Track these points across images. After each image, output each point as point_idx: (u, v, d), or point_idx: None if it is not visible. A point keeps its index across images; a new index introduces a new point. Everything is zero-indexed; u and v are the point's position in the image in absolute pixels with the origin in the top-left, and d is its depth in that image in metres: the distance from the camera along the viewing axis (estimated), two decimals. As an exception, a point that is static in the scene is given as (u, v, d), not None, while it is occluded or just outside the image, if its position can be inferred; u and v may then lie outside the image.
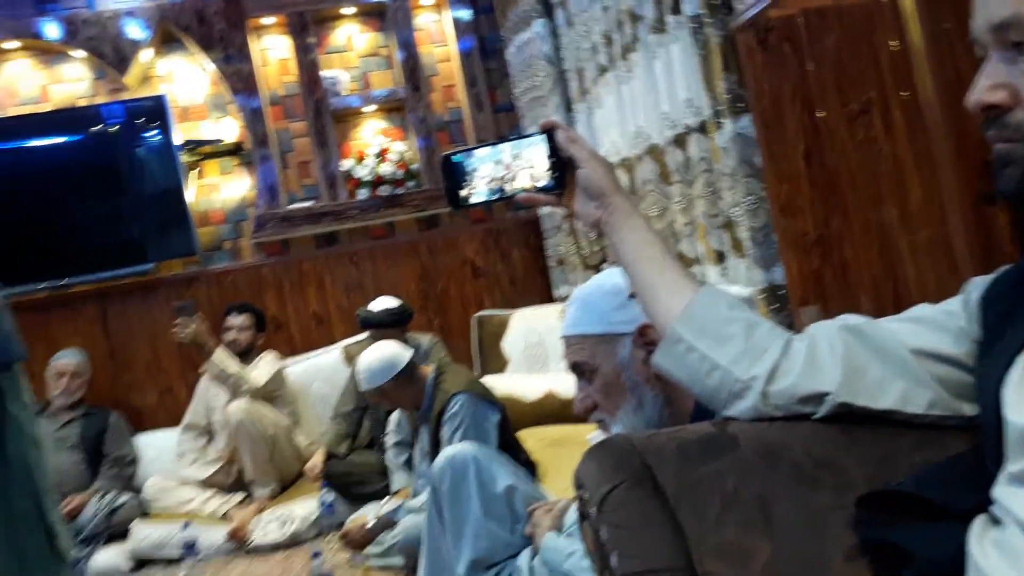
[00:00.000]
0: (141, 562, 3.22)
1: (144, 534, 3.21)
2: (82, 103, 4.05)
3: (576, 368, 1.24)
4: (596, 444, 0.94)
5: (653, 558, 0.87)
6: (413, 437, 2.72)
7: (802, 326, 1.80)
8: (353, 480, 3.14)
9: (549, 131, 1.01)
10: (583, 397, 1.24)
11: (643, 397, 1.20)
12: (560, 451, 2.67)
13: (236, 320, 3.61)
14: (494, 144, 1.03)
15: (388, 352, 2.52)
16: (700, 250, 2.37)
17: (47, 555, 1.44)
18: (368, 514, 2.60)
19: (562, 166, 1.01)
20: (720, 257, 2.26)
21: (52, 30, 3.92)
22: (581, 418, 1.29)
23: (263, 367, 3.54)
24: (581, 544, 1.56)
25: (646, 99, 2.52)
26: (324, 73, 4.13)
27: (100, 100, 4.05)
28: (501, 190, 1.03)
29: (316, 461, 3.20)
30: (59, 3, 4.04)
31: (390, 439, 2.88)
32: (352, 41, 4.31)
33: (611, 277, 1.25)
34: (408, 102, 4.18)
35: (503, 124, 4.31)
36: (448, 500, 1.89)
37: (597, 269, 3.30)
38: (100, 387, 3.87)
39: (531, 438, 2.70)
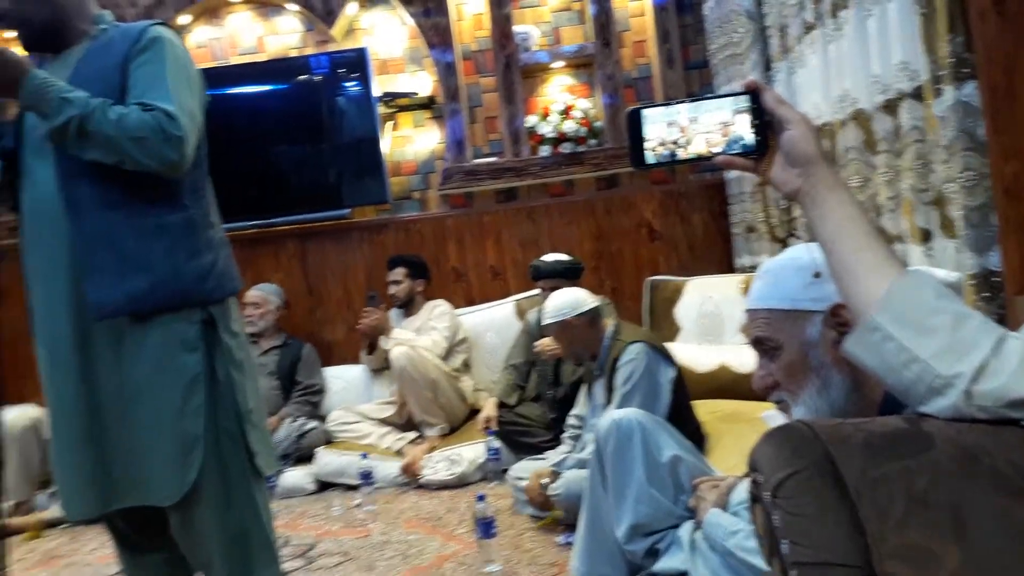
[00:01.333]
0: (323, 484, 3.50)
1: (327, 460, 3.48)
2: (293, 54, 4.34)
3: (758, 344, 1.19)
4: (776, 428, 0.91)
5: (827, 551, 0.84)
6: (588, 388, 2.73)
7: (1017, 320, 1.63)
8: (519, 430, 3.23)
9: (753, 91, 0.96)
10: (763, 375, 1.19)
11: (829, 380, 1.14)
12: (730, 426, 2.61)
13: (391, 275, 3.83)
14: (685, 102, 0.98)
15: (579, 293, 2.66)
16: (903, 227, 2.19)
17: (247, 471, 1.60)
18: (538, 473, 2.67)
19: (764, 129, 0.95)
20: (926, 236, 2.08)
21: (271, -15, 4.21)
22: (758, 395, 1.25)
23: (437, 321, 3.72)
24: (746, 524, 1.52)
25: (855, 60, 2.34)
26: (516, 28, 4.16)
27: (309, 51, 4.32)
28: (690, 151, 0.98)
29: (489, 411, 3.31)
30: (274, -40, 4.32)
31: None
32: (546, -5, 4.30)
33: (806, 251, 1.18)
34: (597, 58, 4.13)
35: (694, 82, 4.17)
36: (612, 463, 1.89)
37: (783, 243, 3.15)
38: (297, 320, 4.21)
39: (700, 410, 2.65)
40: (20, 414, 3.41)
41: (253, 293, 3.89)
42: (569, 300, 2.61)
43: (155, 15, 4.19)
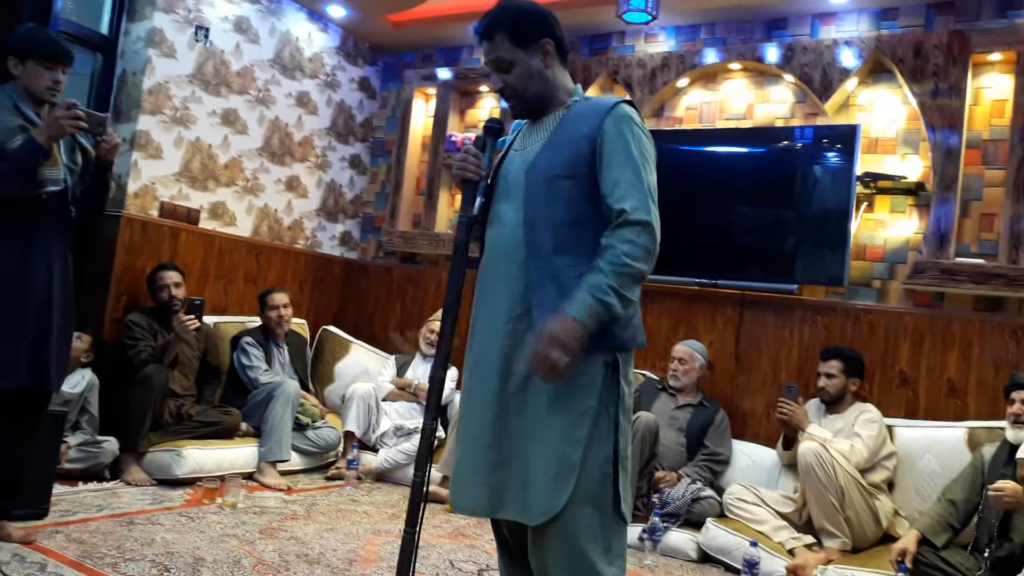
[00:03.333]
0: (705, 555, 3.39)
1: (715, 534, 3.36)
2: (779, 123, 4.31)
3: None
4: None
5: None
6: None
7: None
8: (940, 579, 2.74)
9: None
10: None
11: None
12: None
13: (824, 366, 3.53)
14: None
15: None
16: None
17: (612, 511, 1.64)
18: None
19: None
20: None
21: (772, 54, 4.24)
22: None
23: (864, 428, 3.35)
24: None
25: None
26: (1045, 119, 3.57)
27: (795, 122, 4.25)
28: None
29: (908, 544, 2.86)
30: (786, 30, 4.34)
31: None
32: (1094, 85, 3.61)
33: None
34: None
35: None
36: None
37: None
38: (719, 383, 4.17)
39: None
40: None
41: (681, 348, 3.94)
42: None
43: (658, 76, 4.52)
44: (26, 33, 2.57)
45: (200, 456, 3.74)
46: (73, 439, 3.53)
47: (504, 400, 1.68)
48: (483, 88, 5.24)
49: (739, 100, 4.47)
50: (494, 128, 1.85)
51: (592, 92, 4.73)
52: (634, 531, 3.45)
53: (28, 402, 2.57)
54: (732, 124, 4.44)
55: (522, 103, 1.82)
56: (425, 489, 1.71)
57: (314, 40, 5.18)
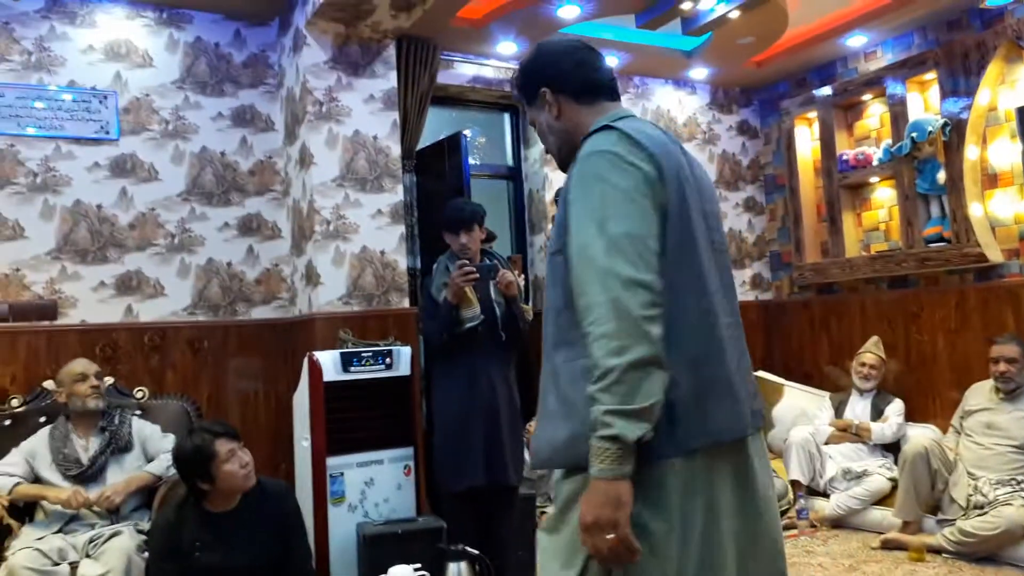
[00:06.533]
0: None
1: None
2: None
3: None
4: None
5: None
6: None
7: None
8: None
9: None
10: None
11: None
12: None
13: None
14: None
15: None
16: None
17: None
18: None
19: None
20: None
21: None
22: None
23: None
24: None
25: None
26: None
27: None
28: None
29: None
30: None
31: None
32: None
33: None
34: None
35: None
36: None
37: None
38: None
39: None
40: (916, 437, 3.70)
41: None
42: None
43: None
44: (444, 211, 3.25)
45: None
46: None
47: None
48: (865, 97, 4.93)
49: None
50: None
51: (994, 68, 4.17)
52: None
53: (499, 495, 3.14)
54: None
55: (557, 163, 1.62)
56: None
57: (684, 105, 5.42)
